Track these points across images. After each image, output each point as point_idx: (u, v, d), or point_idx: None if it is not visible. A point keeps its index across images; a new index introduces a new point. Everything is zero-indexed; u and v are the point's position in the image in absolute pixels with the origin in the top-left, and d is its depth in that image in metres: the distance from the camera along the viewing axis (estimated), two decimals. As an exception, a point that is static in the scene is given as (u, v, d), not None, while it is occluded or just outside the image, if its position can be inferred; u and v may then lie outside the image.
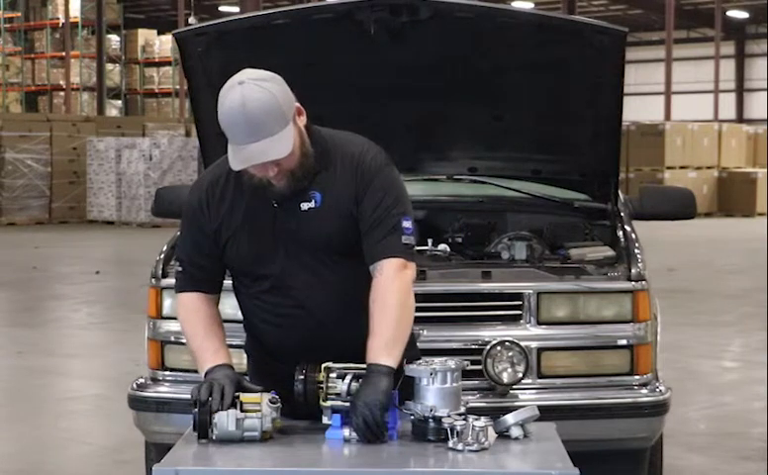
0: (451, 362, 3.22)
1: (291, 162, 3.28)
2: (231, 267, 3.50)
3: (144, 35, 38.88)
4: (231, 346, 4.59)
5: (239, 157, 3.22)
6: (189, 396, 3.27)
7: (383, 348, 3.25)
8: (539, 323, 4.63)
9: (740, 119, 44.29)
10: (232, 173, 3.37)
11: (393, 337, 3.28)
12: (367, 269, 3.37)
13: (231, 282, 3.60)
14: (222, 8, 39.18)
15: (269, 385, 3.33)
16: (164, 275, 4.78)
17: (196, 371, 3.49)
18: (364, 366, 3.22)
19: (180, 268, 3.53)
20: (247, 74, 3.24)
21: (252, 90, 3.19)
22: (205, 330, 3.45)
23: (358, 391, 3.19)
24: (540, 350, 4.60)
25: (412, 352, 3.43)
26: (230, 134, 3.23)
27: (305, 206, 3.36)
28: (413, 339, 3.55)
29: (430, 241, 5.35)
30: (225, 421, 3.15)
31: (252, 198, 3.38)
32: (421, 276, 4.74)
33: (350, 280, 3.39)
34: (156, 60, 38.61)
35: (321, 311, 3.39)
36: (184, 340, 3.58)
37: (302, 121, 3.32)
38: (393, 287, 3.32)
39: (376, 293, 3.32)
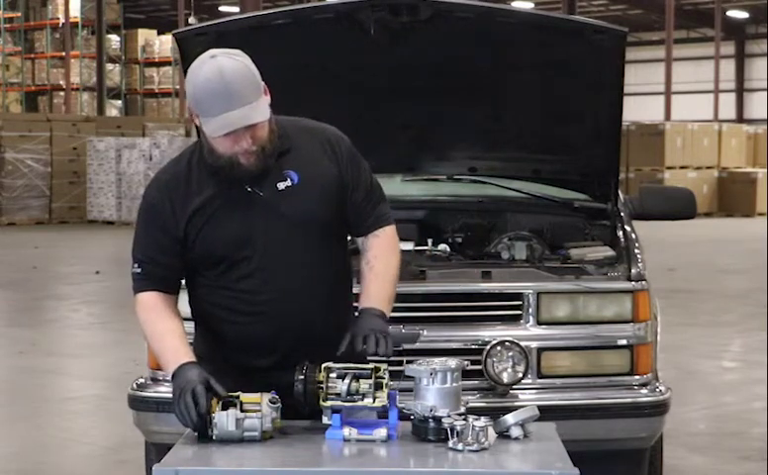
0: (451, 362, 3.22)
1: (264, 134, 3.28)
2: (203, 258, 3.40)
3: (143, 35, 38.85)
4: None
5: (218, 125, 3.22)
6: (173, 413, 3.26)
7: (385, 301, 3.45)
8: (539, 323, 4.62)
9: (740, 119, 44.28)
10: (194, 165, 3.38)
11: (390, 296, 3.48)
12: (343, 252, 3.50)
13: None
14: (222, 8, 39.18)
15: (230, 386, 3.25)
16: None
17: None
18: (365, 367, 3.22)
19: (139, 269, 3.44)
20: (217, 50, 3.28)
21: (228, 61, 3.23)
22: (165, 328, 3.39)
23: (357, 321, 3.35)
24: (540, 350, 4.60)
25: None
26: (206, 105, 3.22)
27: (281, 185, 3.37)
28: None
29: (430, 241, 5.35)
30: (225, 421, 3.15)
31: (223, 184, 3.35)
32: (420, 276, 4.75)
33: (328, 262, 3.43)
34: (156, 60, 38.58)
35: (300, 295, 3.37)
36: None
37: (268, 99, 3.32)
38: (393, 251, 3.53)
39: (380, 251, 3.49)
